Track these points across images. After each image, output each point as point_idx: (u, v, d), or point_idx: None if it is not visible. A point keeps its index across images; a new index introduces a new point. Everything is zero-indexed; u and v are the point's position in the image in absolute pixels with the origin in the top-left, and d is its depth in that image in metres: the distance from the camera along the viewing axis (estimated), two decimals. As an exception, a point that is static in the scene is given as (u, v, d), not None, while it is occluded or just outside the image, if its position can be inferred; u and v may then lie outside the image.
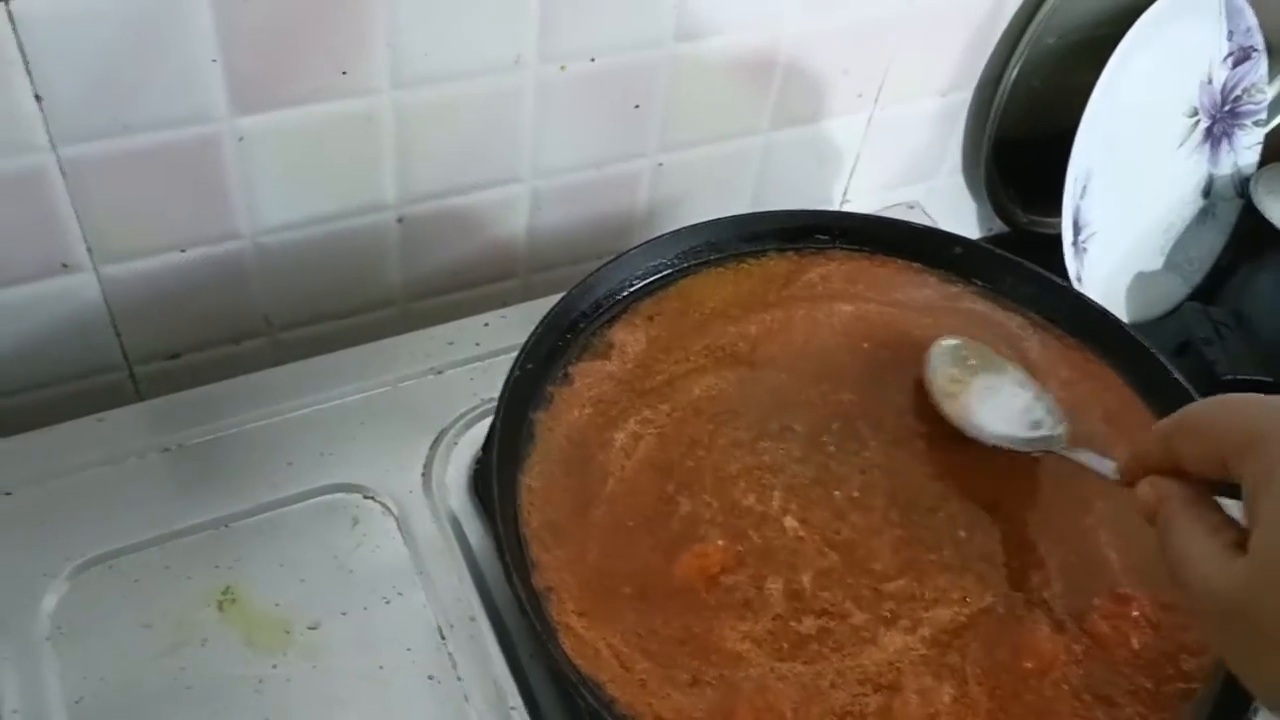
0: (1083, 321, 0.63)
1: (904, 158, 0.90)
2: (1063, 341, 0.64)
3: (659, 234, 0.64)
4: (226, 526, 0.58)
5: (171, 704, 0.51)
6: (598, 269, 0.62)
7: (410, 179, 0.69)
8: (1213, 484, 0.42)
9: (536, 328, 0.58)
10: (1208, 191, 0.98)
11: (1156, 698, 0.50)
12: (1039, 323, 0.65)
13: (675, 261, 0.65)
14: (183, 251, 0.66)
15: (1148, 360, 0.60)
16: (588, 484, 0.55)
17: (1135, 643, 0.51)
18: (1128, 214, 0.92)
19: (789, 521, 0.55)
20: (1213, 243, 0.99)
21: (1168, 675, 0.51)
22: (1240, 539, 0.39)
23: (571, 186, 0.76)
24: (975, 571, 0.54)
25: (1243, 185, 0.98)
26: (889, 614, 0.52)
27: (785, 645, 0.51)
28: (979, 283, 0.66)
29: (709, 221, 0.65)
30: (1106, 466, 0.50)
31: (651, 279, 0.64)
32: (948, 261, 0.66)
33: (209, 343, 0.72)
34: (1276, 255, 0.91)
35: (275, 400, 0.64)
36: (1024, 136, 0.91)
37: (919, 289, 0.66)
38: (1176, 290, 0.97)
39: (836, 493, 0.56)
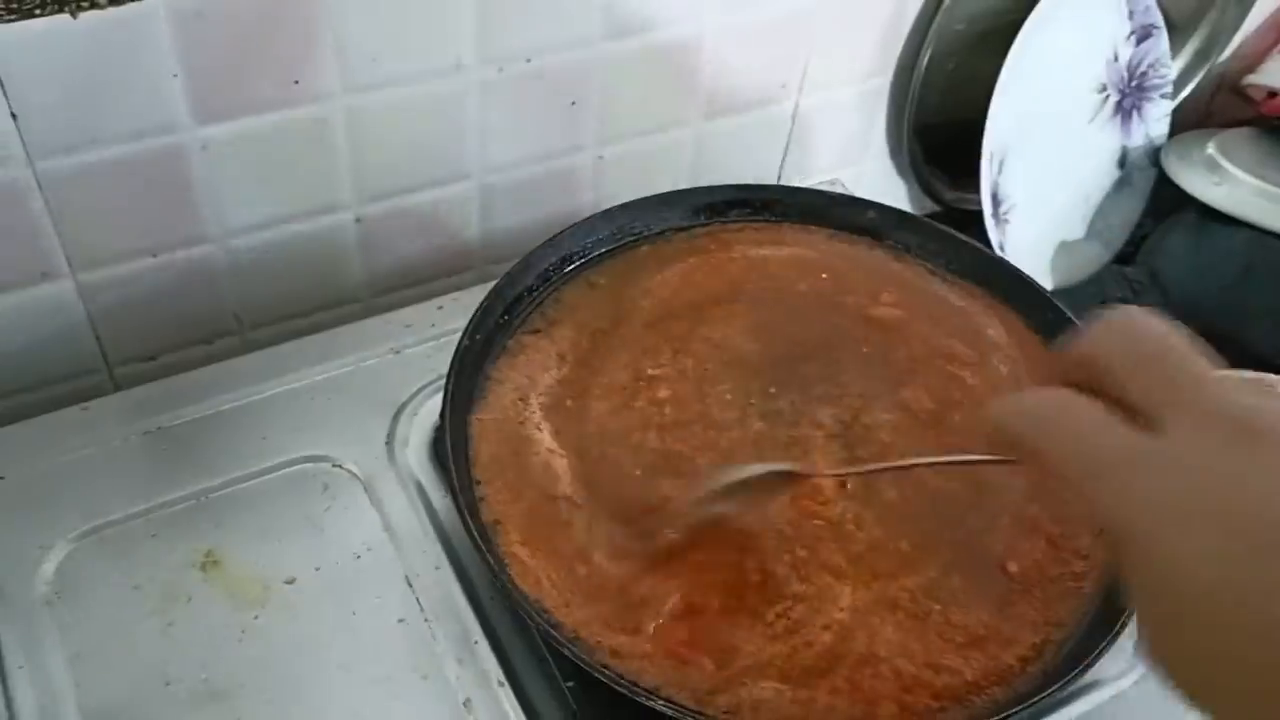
0: (978, 266, 0.70)
1: (832, 143, 0.95)
2: (965, 287, 0.71)
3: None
4: (206, 497, 0.63)
5: (162, 654, 0.56)
6: (536, 248, 0.67)
7: (365, 180, 0.74)
8: None
9: (483, 301, 0.63)
10: (1123, 162, 1.04)
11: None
12: (944, 274, 0.71)
13: (609, 239, 0.70)
14: (155, 256, 0.70)
15: (1033, 294, 0.68)
16: (524, 429, 0.61)
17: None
18: (1046, 186, 0.98)
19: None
20: (1131, 210, 1.05)
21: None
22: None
23: (518, 181, 0.81)
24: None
25: (1155, 155, 1.04)
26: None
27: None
28: (892, 244, 0.72)
29: (637, 200, 0.71)
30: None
31: (589, 255, 0.70)
32: (862, 226, 0.72)
33: (184, 343, 0.76)
34: (1186, 217, 0.97)
35: (246, 384, 0.69)
36: (945, 119, 0.96)
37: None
38: (1099, 256, 1.03)
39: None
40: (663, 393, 0.62)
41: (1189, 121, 1.10)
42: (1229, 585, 0.32)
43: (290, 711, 0.55)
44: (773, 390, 0.63)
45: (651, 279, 0.69)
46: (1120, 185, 1.04)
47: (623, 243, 0.71)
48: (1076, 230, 1.02)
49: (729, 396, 0.62)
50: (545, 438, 0.60)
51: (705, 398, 0.62)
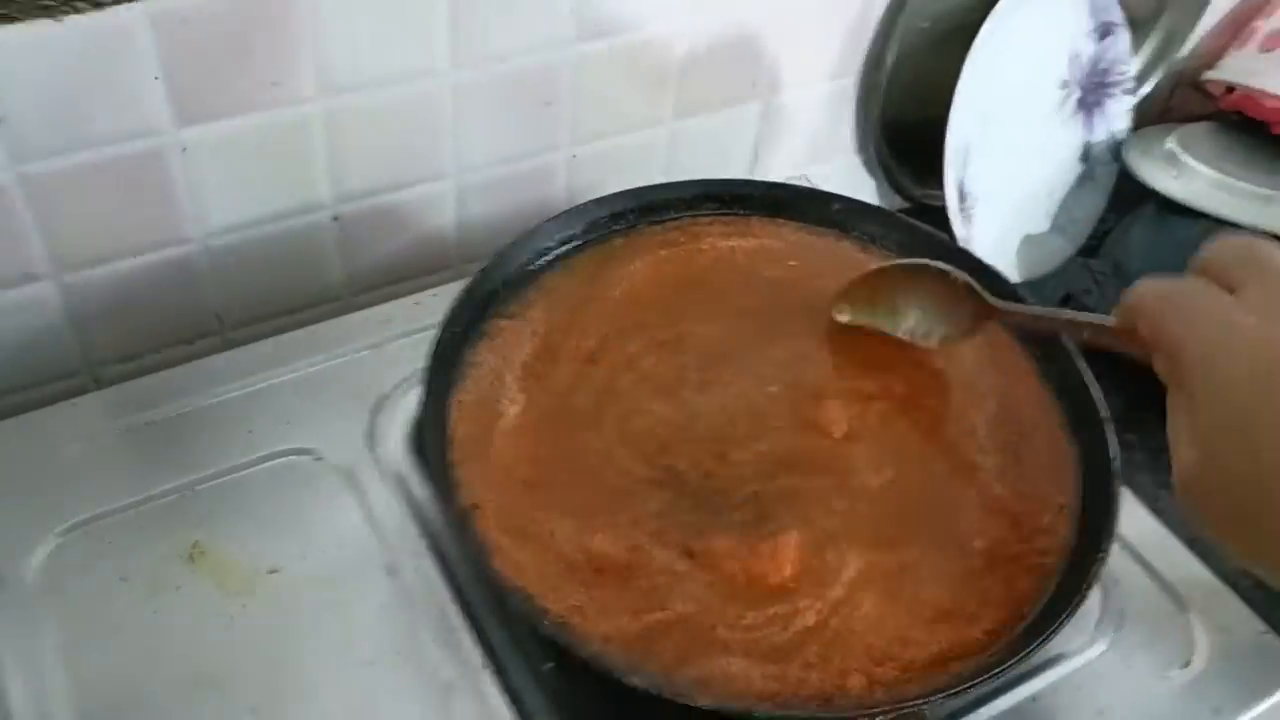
0: (941, 255, 0.71)
1: (802, 141, 0.97)
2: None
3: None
4: (193, 490, 0.64)
5: (152, 642, 0.57)
6: (511, 241, 0.69)
7: (342, 179, 0.76)
8: None
9: (460, 294, 0.65)
10: (1086, 157, 1.06)
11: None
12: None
13: (582, 233, 0.72)
14: (136, 257, 0.71)
15: (995, 281, 0.69)
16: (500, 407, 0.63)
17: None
18: (1010, 181, 1.00)
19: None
20: (1094, 204, 1.07)
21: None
22: None
23: (494, 180, 0.83)
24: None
25: (1117, 150, 1.06)
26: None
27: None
28: (858, 235, 0.74)
29: (609, 195, 0.73)
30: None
31: (563, 248, 0.72)
32: (829, 219, 0.74)
33: (165, 343, 0.77)
34: (1148, 210, 1.00)
35: (230, 380, 0.70)
36: (912, 116, 0.98)
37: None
38: (1063, 250, 1.05)
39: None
40: (634, 359, 0.65)
41: (1150, 117, 1.13)
42: (1266, 403, 0.41)
43: (277, 696, 0.56)
44: (738, 367, 0.65)
45: (624, 268, 0.70)
46: (1083, 180, 1.06)
47: (595, 236, 0.72)
48: (1041, 224, 1.05)
49: (693, 373, 0.65)
50: (517, 409, 0.62)
51: (669, 367, 0.65)
